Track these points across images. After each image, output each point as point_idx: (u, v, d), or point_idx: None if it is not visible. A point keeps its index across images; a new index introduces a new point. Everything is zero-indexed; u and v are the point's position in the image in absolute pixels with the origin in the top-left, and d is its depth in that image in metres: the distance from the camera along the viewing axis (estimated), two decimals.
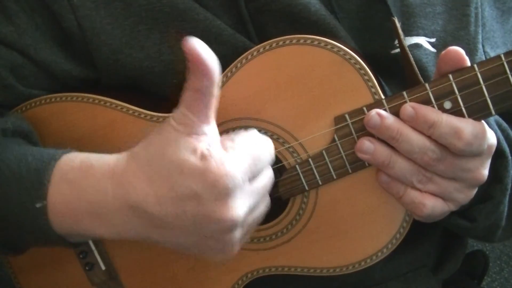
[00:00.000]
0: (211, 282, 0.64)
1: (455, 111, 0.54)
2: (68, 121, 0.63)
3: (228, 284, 0.63)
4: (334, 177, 0.57)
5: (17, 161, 0.53)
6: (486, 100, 0.53)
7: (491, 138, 0.54)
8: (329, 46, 0.56)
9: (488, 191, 0.60)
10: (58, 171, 0.52)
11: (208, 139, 0.48)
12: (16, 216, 0.53)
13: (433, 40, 0.61)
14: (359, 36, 0.61)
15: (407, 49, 0.57)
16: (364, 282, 0.65)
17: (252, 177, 0.49)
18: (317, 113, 0.57)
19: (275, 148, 0.58)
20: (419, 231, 0.67)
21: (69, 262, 0.66)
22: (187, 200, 0.47)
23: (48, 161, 0.53)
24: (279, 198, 0.59)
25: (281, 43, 0.56)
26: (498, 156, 0.60)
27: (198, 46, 0.46)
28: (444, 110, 0.54)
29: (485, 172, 0.55)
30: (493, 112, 0.53)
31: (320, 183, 0.58)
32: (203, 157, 0.47)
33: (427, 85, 0.54)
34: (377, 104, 0.55)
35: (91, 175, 0.51)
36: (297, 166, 0.58)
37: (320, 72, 0.56)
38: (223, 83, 0.59)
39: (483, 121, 0.54)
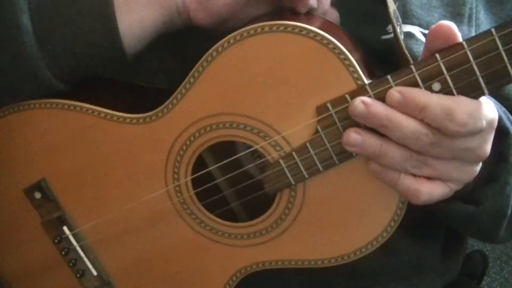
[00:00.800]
0: (205, 280, 0.62)
1: (446, 93, 0.49)
2: (40, 130, 0.60)
3: (222, 281, 0.62)
4: (321, 169, 0.54)
5: None
6: (477, 79, 0.49)
7: (490, 113, 0.49)
8: (304, 32, 0.51)
9: (493, 172, 0.57)
10: None
11: None
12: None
13: (427, 31, 0.57)
14: (353, 19, 0.57)
15: (396, 27, 0.53)
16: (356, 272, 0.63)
17: None
18: (297, 104, 0.53)
19: (257, 143, 0.55)
20: (423, 234, 0.65)
21: (61, 270, 0.65)
22: None
23: None
24: (265, 195, 0.57)
25: (252, 31, 0.52)
26: (502, 134, 0.56)
27: None
28: (433, 92, 0.50)
29: (488, 147, 0.51)
30: (486, 91, 0.49)
31: (306, 176, 0.55)
32: None
33: (412, 67, 0.50)
34: (361, 90, 0.51)
35: None
36: (281, 160, 0.55)
37: (296, 60, 0.52)
38: (195, 79, 0.55)
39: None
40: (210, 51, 0.54)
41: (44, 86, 0.56)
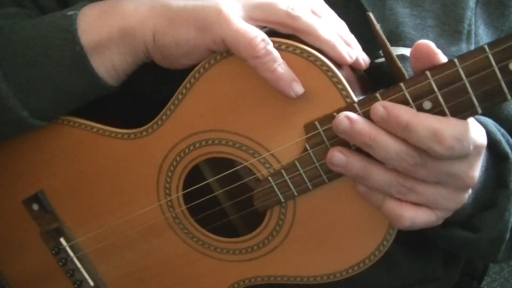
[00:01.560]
0: None
1: (437, 112, 0.48)
2: (37, 143, 0.61)
3: None
4: (310, 187, 0.53)
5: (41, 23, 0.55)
6: (470, 97, 0.47)
7: (479, 137, 0.48)
8: (291, 49, 0.50)
9: (492, 197, 0.55)
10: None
11: None
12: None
13: None
14: None
15: (387, 43, 0.51)
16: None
17: None
18: (286, 121, 0.52)
19: (246, 161, 0.54)
20: (425, 247, 0.63)
21: (61, 280, 0.66)
22: None
23: (70, 14, 0.54)
24: (256, 211, 0.56)
25: None
26: (501, 159, 0.54)
27: None
28: (424, 111, 0.48)
29: (475, 174, 0.49)
30: (479, 110, 0.47)
31: (296, 194, 0.54)
32: None
33: (402, 85, 0.48)
34: (349, 108, 0.50)
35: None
36: (270, 178, 0.54)
37: None
38: (184, 95, 0.54)
39: (468, 119, 0.47)
40: (197, 67, 0.53)
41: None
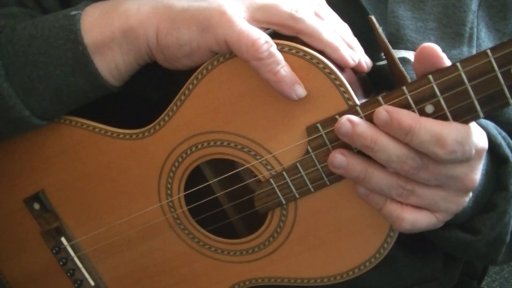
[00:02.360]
0: None
1: (439, 116, 0.48)
2: (38, 142, 0.61)
3: None
4: (312, 190, 0.53)
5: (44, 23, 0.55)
6: (472, 101, 0.47)
7: (480, 141, 0.48)
8: (294, 51, 0.50)
9: (492, 200, 0.55)
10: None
11: None
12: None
13: None
14: None
15: (389, 45, 0.51)
16: None
17: None
18: (288, 123, 0.52)
19: (248, 162, 0.54)
20: (424, 249, 0.64)
21: (61, 278, 0.66)
22: None
23: (73, 14, 0.54)
24: (257, 212, 0.56)
25: None
26: (502, 162, 0.54)
27: None
28: (426, 115, 0.48)
29: (476, 177, 0.49)
30: (481, 114, 0.47)
31: (297, 196, 0.54)
32: None
33: (404, 88, 0.48)
34: (351, 111, 0.50)
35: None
36: (271, 180, 0.54)
37: None
38: (186, 96, 0.54)
39: (470, 124, 0.48)
40: (200, 69, 0.53)
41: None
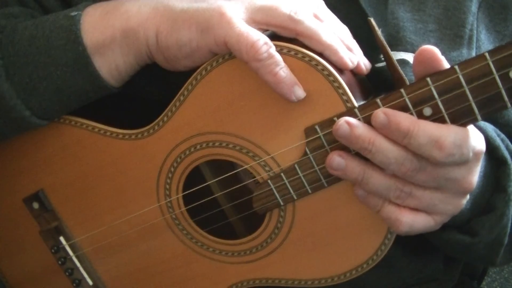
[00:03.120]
0: None
1: (437, 118, 0.48)
2: (37, 142, 0.61)
3: None
4: (309, 191, 0.53)
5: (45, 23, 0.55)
6: (470, 104, 0.47)
7: (478, 144, 0.48)
8: (292, 53, 0.50)
9: (490, 202, 0.55)
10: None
11: None
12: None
13: None
14: None
15: (388, 48, 0.51)
16: None
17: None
18: (286, 124, 0.52)
19: (247, 163, 0.55)
20: (425, 249, 0.64)
21: (60, 278, 0.66)
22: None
23: (74, 15, 0.54)
24: (255, 213, 0.56)
25: None
26: (500, 164, 0.54)
27: None
28: (424, 117, 0.48)
29: (474, 179, 0.49)
30: (479, 117, 0.47)
31: (295, 197, 0.54)
32: None
33: (402, 91, 0.48)
34: (349, 113, 0.50)
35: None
36: (269, 181, 0.54)
37: None
38: (185, 97, 0.54)
39: (467, 126, 0.48)
40: (199, 69, 0.53)
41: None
